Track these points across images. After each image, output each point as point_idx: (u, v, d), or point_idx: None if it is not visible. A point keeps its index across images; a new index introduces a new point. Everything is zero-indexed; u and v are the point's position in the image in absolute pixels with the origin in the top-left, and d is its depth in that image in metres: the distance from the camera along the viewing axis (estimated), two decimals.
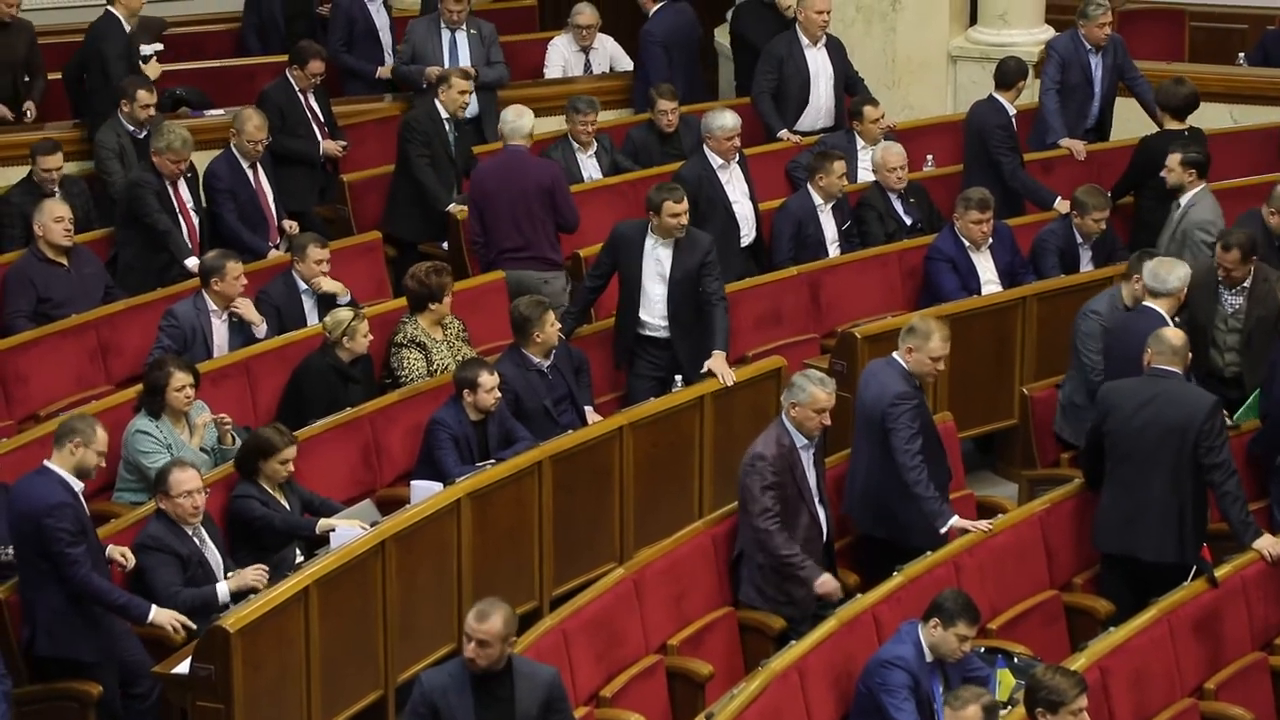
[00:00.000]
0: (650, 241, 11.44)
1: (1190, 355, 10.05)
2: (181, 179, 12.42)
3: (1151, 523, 9.78)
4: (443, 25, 14.32)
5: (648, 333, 11.50)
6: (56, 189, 12.49)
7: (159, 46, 14.00)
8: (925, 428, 9.99)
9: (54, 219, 11.87)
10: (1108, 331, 11.14)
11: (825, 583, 9.65)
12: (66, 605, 9.05)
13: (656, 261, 11.43)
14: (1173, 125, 13.31)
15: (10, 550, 9.29)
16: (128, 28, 13.66)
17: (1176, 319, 10.79)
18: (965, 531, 9.86)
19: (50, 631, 9.07)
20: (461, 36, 14.32)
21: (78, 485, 9.14)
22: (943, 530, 9.82)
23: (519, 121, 12.64)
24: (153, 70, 13.67)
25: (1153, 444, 9.76)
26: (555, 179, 12.50)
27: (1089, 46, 14.10)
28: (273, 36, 15.65)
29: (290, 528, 9.96)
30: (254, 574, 9.43)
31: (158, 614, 9.17)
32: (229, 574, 9.55)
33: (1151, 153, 13.10)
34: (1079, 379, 11.29)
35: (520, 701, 8.08)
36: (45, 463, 9.19)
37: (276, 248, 12.81)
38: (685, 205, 11.41)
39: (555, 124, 14.38)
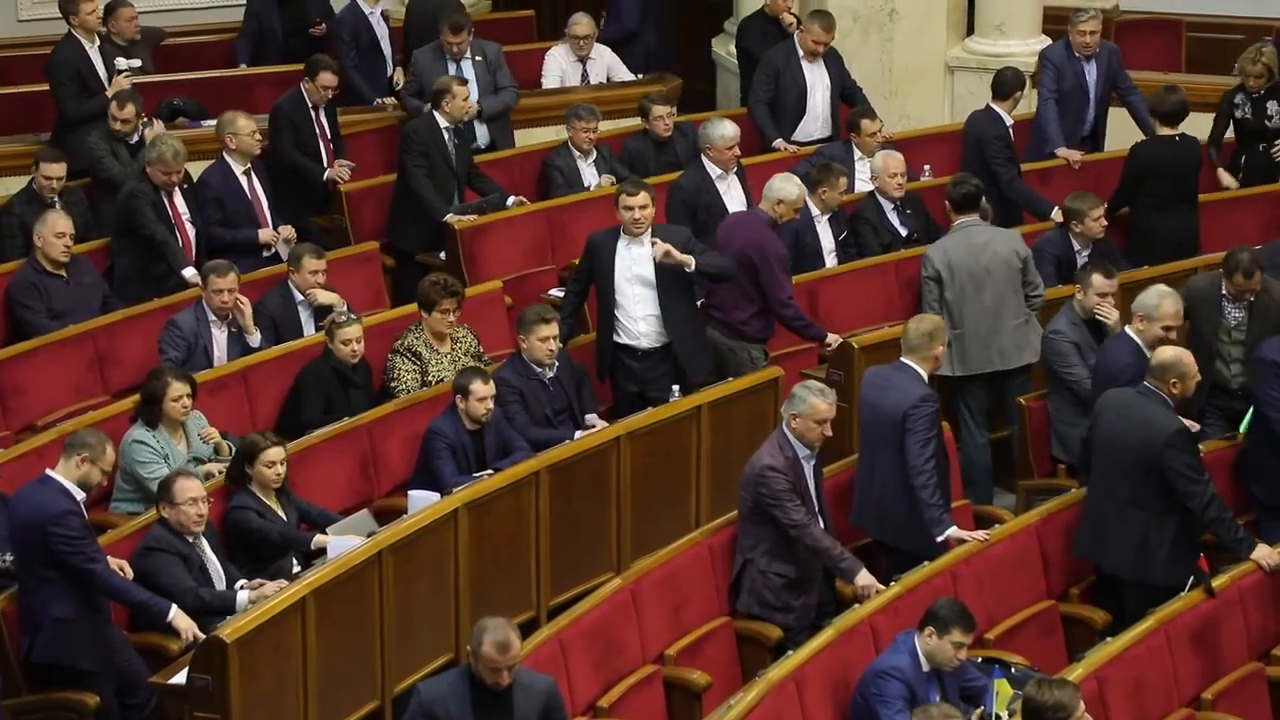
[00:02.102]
0: (623, 244, 11.38)
1: (1176, 381, 9.80)
2: (177, 190, 12.42)
3: (1113, 534, 9.76)
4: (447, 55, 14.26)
5: (624, 340, 11.43)
6: (57, 199, 12.50)
7: (136, 62, 13.92)
8: (937, 435, 10.00)
9: (55, 234, 11.86)
10: (1097, 351, 11.07)
11: (864, 577, 9.67)
12: (67, 613, 9.05)
13: (631, 263, 11.37)
14: (1164, 131, 13.30)
15: (9, 557, 9.29)
16: (87, 45, 13.61)
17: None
18: (962, 541, 9.87)
19: (50, 639, 9.06)
20: (467, 65, 14.17)
21: (79, 495, 9.13)
22: (939, 539, 9.83)
23: (779, 187, 11.90)
24: (120, 84, 13.50)
25: (1120, 457, 9.74)
26: (763, 254, 11.58)
27: (1079, 54, 14.12)
28: (270, 49, 15.65)
29: (288, 540, 9.96)
30: (274, 589, 9.37)
31: (178, 616, 9.19)
32: (240, 584, 9.55)
33: (1142, 160, 13.12)
34: (1060, 401, 11.20)
35: (519, 711, 8.07)
36: (48, 471, 9.20)
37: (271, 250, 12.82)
38: (641, 199, 11.26)
39: (553, 133, 14.40)
